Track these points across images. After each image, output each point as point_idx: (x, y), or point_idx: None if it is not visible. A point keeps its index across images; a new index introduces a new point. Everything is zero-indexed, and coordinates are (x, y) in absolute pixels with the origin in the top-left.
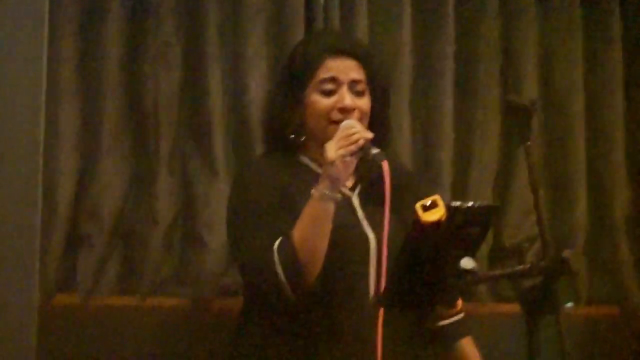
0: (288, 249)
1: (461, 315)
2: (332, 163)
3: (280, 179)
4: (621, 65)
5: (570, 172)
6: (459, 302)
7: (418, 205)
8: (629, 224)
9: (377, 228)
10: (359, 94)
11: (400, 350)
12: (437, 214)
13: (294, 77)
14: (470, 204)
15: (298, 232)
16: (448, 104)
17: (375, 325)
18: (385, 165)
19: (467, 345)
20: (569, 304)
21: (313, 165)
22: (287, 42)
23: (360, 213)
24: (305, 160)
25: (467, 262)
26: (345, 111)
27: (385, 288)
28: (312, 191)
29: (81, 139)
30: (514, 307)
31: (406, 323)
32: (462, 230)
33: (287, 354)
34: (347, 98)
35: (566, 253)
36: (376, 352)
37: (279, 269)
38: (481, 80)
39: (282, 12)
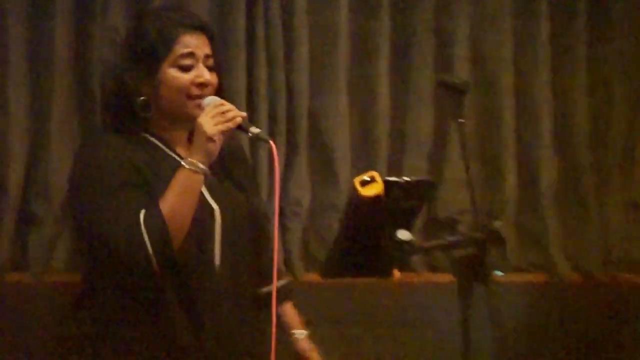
0: (156, 219)
1: (283, 282)
2: (210, 138)
3: (130, 156)
4: (549, 42)
5: (501, 147)
6: (396, 272)
7: (356, 180)
8: (556, 196)
9: (222, 201)
10: (211, 69)
11: (241, 315)
12: (375, 189)
13: (148, 51)
14: (407, 178)
15: (167, 203)
16: (384, 82)
17: (220, 293)
18: (272, 144)
19: (288, 310)
20: (499, 273)
21: (160, 144)
22: (228, 23)
23: (203, 186)
24: (152, 139)
25: (403, 234)
26: (204, 86)
27: (327, 258)
28: (183, 163)
29: (31, 122)
30: (448, 277)
31: (245, 290)
32: (399, 203)
33: (142, 329)
34: (206, 73)
35: (497, 224)
36: (222, 317)
37: (147, 239)
38: (416, 60)
39: None
